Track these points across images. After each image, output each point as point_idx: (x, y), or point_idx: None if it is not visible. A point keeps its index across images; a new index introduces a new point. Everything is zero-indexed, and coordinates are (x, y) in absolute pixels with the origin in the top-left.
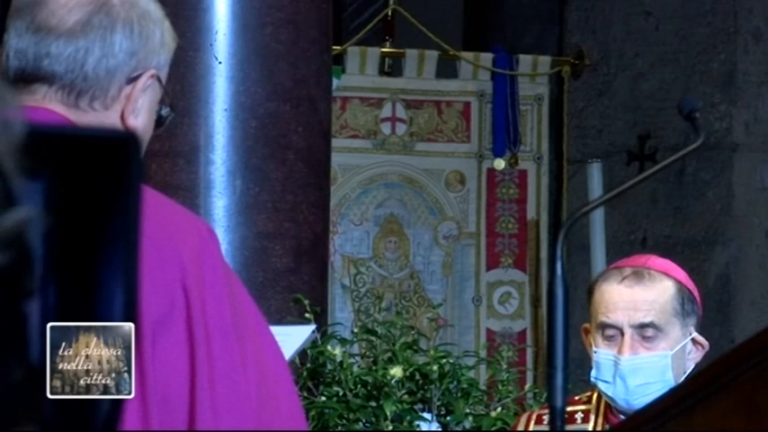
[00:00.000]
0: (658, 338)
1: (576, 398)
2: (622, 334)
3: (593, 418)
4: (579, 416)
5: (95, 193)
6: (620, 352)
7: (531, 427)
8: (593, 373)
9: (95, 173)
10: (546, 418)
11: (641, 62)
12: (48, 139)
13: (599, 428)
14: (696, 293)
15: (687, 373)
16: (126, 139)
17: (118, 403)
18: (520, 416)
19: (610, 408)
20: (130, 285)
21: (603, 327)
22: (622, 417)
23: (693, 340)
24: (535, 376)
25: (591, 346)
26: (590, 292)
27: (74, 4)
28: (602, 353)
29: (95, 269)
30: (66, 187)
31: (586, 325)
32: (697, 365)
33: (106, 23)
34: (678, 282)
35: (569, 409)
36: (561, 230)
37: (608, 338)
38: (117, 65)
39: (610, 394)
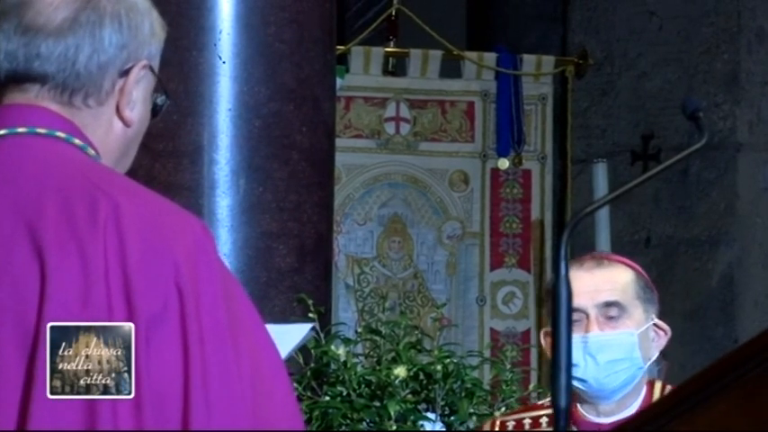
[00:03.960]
0: (623, 318)
1: (540, 402)
2: (587, 317)
3: None
4: (544, 420)
5: None
6: (586, 332)
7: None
8: None
9: None
10: (510, 424)
11: (645, 62)
12: None
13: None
14: (653, 287)
15: (652, 360)
16: None
17: None
18: (483, 423)
19: (576, 407)
20: None
21: None
22: (590, 417)
23: (656, 327)
24: (539, 376)
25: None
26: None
27: (60, 2)
28: None
29: None
30: None
31: (547, 329)
32: (661, 353)
33: (94, 19)
34: (635, 270)
35: (533, 414)
36: (565, 230)
37: (572, 325)
38: (108, 60)
39: (579, 375)
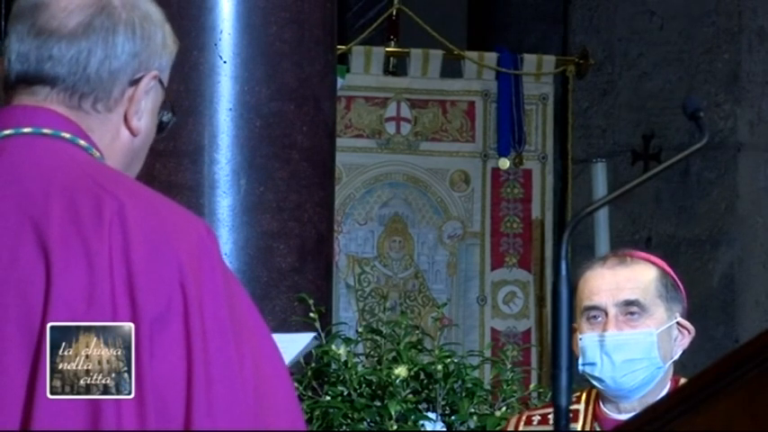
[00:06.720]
0: (643, 317)
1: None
2: (607, 315)
3: (581, 417)
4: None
5: None
6: (604, 330)
7: (520, 427)
8: (579, 361)
9: None
10: (535, 418)
11: (645, 62)
12: None
13: (587, 428)
14: (680, 283)
15: (674, 359)
16: None
17: None
18: (510, 418)
19: (599, 405)
20: None
21: (588, 310)
22: (612, 415)
23: (680, 325)
24: (539, 376)
25: (577, 346)
26: (574, 287)
27: (74, 7)
28: (586, 336)
29: None
30: None
31: (576, 324)
32: (684, 351)
33: (108, 25)
34: (661, 268)
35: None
36: (566, 230)
37: (592, 322)
38: (119, 66)
39: (597, 374)
